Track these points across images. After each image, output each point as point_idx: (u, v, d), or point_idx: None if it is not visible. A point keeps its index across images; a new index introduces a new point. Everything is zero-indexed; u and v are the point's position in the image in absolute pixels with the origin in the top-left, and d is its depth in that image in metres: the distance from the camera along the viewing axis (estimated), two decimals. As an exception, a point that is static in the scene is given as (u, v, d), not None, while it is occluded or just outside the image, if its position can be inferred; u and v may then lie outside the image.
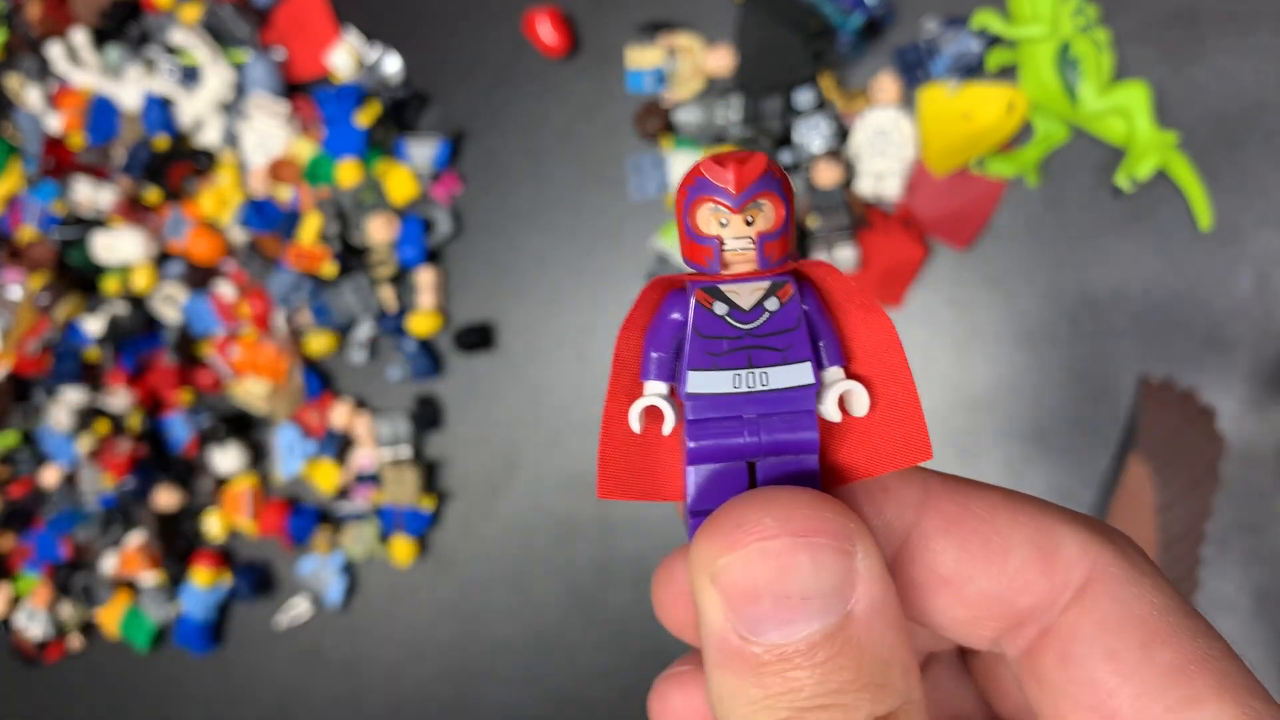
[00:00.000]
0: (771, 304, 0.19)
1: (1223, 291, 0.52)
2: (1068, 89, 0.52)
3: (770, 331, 0.19)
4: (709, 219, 0.18)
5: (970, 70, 0.55)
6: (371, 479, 0.64)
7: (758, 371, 0.19)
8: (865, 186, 0.56)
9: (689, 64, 0.58)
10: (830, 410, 0.19)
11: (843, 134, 0.56)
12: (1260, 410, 0.52)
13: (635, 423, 0.19)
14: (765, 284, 0.19)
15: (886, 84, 0.55)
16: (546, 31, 0.60)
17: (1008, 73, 0.55)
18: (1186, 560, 0.50)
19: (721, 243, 0.18)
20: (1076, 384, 0.54)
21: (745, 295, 0.19)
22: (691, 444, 0.19)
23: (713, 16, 0.59)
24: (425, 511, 0.63)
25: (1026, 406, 0.55)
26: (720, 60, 0.57)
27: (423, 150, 0.63)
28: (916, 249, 0.55)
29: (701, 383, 0.19)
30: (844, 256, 0.55)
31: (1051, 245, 0.54)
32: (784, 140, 0.57)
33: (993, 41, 0.54)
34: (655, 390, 0.19)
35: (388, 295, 0.63)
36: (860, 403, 0.19)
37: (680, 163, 0.58)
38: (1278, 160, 0.52)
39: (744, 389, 0.19)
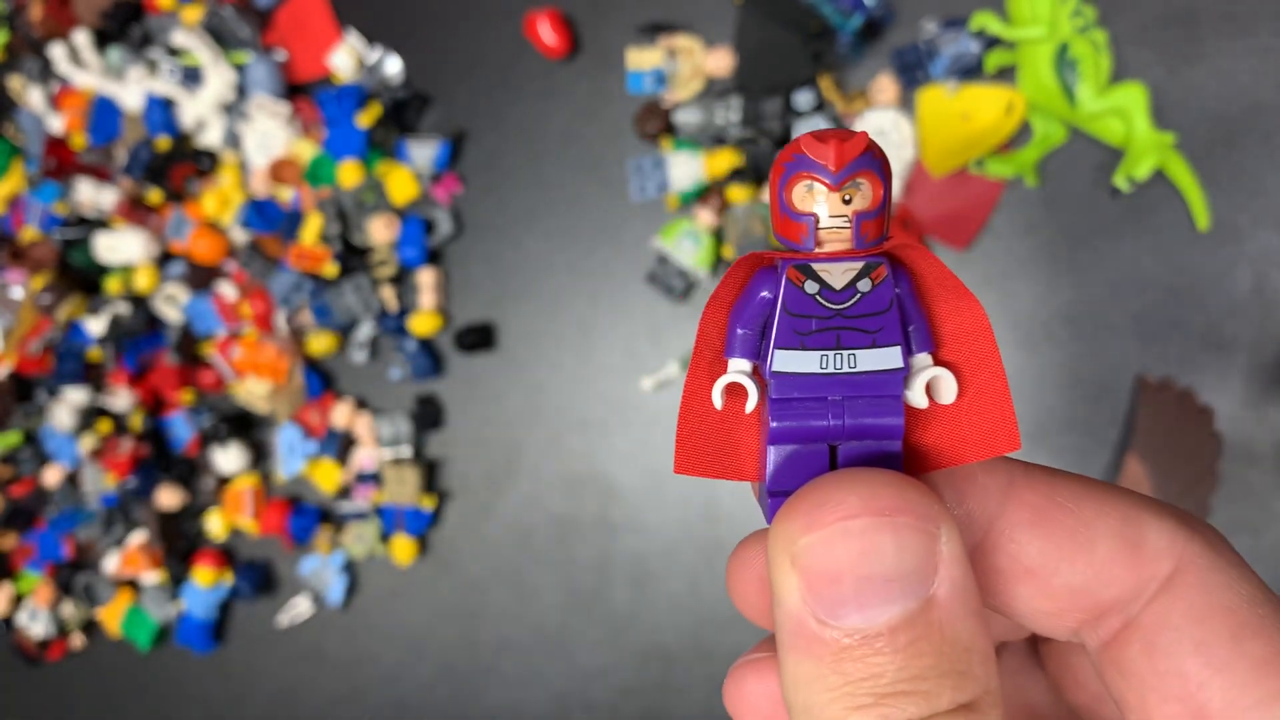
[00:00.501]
0: (864, 285, 0.18)
1: (1220, 291, 0.52)
2: (1066, 90, 0.52)
3: (861, 313, 0.18)
4: (806, 196, 0.18)
5: (969, 71, 0.55)
6: (372, 478, 0.64)
7: (846, 353, 0.18)
8: (864, 187, 0.56)
9: (689, 65, 0.58)
10: (917, 397, 0.19)
11: (842, 135, 0.56)
12: (1258, 410, 0.52)
13: (718, 399, 0.19)
14: (858, 264, 0.18)
15: (885, 85, 0.55)
16: (547, 33, 0.60)
17: (1006, 74, 0.55)
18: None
19: (817, 220, 0.18)
20: (1075, 384, 0.54)
21: (838, 275, 0.18)
22: (774, 423, 0.18)
23: (712, 18, 0.59)
24: (426, 511, 0.63)
25: (1025, 406, 0.55)
26: (720, 61, 0.57)
27: (423, 151, 0.63)
28: (915, 249, 0.55)
29: (788, 361, 0.18)
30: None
31: (1050, 245, 0.55)
32: (783, 141, 0.57)
33: (991, 43, 0.54)
34: (739, 367, 0.19)
35: (389, 295, 0.63)
36: (948, 390, 0.19)
37: (680, 164, 0.58)
38: (1275, 160, 0.52)
39: (831, 370, 0.18)
